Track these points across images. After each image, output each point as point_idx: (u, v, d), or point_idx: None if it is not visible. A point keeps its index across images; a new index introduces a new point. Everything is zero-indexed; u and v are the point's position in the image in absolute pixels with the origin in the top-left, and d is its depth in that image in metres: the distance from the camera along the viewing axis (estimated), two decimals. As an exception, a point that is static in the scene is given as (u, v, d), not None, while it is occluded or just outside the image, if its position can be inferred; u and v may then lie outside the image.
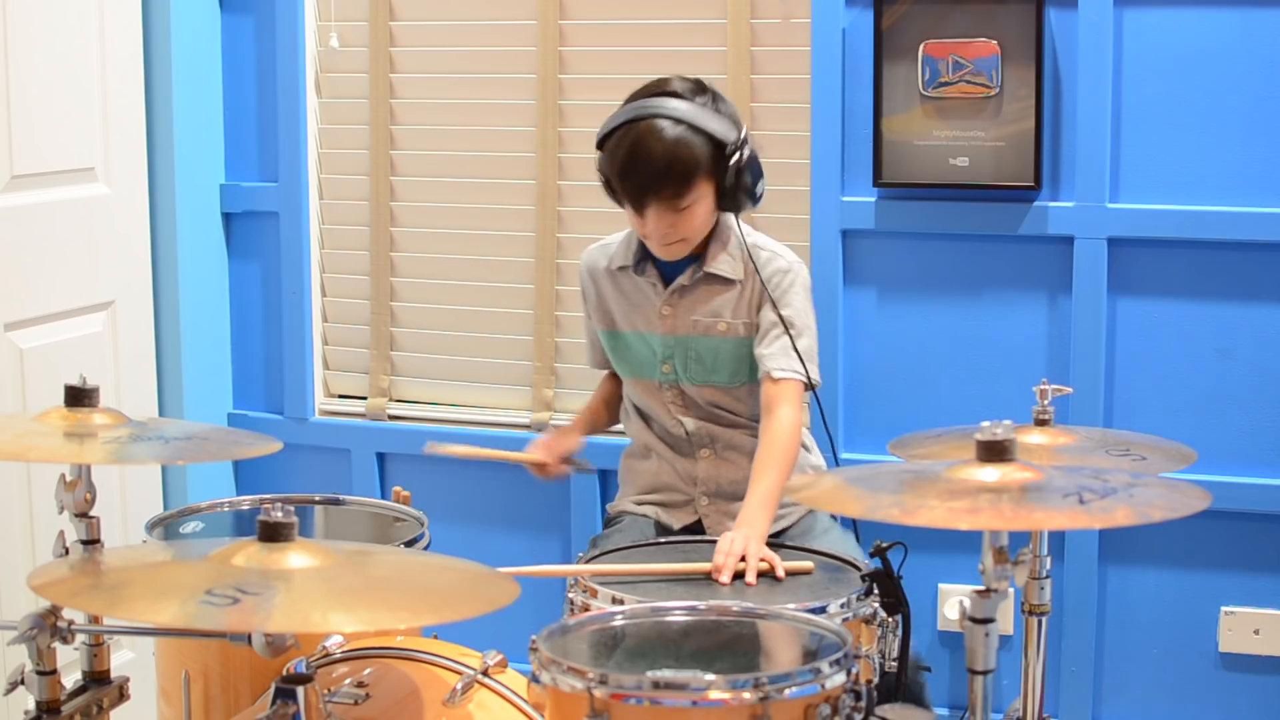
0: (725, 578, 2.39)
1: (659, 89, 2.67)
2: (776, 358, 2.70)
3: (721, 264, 2.75)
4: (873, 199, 3.18)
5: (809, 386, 2.72)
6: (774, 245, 2.81)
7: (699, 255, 2.76)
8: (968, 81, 3.07)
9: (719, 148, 2.63)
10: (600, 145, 2.71)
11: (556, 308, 3.45)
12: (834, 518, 2.85)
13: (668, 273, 2.78)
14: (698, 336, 2.77)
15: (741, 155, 2.65)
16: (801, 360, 2.70)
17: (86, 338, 3.26)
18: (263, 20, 3.55)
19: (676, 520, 2.82)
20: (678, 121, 2.62)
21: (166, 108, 3.44)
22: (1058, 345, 3.12)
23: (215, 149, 3.61)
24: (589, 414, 3.00)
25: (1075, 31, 3.02)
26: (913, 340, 3.21)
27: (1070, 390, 2.68)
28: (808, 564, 2.47)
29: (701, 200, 2.66)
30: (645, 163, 2.60)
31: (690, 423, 2.81)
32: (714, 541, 2.54)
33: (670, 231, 2.66)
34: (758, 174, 2.70)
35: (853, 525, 2.89)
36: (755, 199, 2.72)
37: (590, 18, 3.39)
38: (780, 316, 2.71)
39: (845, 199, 3.19)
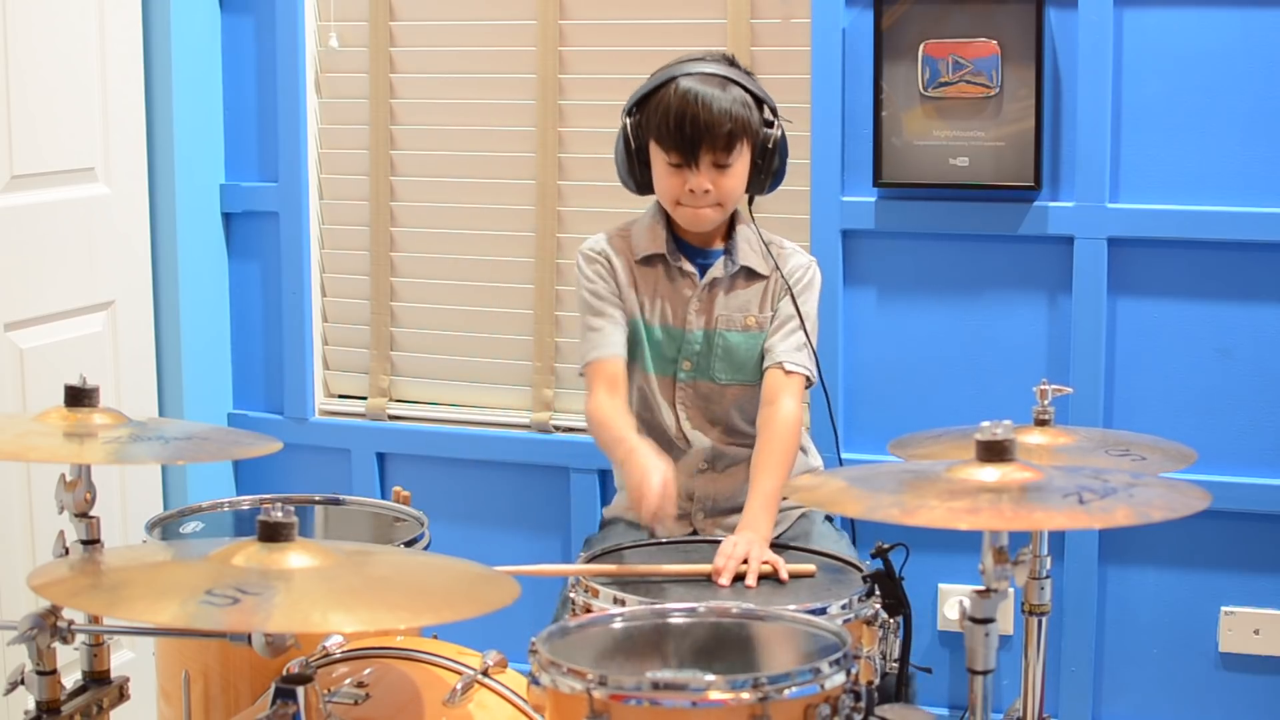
0: (725, 580, 2.39)
1: (694, 57, 2.69)
2: (790, 351, 2.70)
3: (751, 257, 2.75)
4: (873, 199, 3.18)
5: (809, 384, 2.73)
6: (791, 243, 2.83)
7: (726, 247, 2.75)
8: (968, 81, 3.07)
9: (761, 112, 2.67)
10: (633, 110, 2.69)
11: (556, 308, 3.45)
12: (829, 520, 2.84)
13: (699, 266, 2.76)
14: (727, 332, 2.75)
15: (778, 126, 2.69)
16: (812, 358, 2.71)
17: (86, 338, 3.26)
18: (263, 20, 3.55)
19: (672, 533, 2.80)
20: (728, 80, 2.64)
21: (166, 108, 3.44)
22: (1058, 345, 3.12)
23: (215, 149, 3.61)
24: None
25: (1075, 31, 3.02)
26: (913, 340, 3.21)
27: (1070, 390, 2.68)
28: (810, 567, 2.46)
29: (740, 162, 2.67)
30: (705, 109, 2.60)
31: (696, 435, 2.78)
32: (713, 542, 2.55)
33: (710, 192, 2.65)
34: (786, 152, 2.73)
35: (850, 529, 2.89)
36: (778, 180, 2.74)
37: (590, 18, 3.39)
38: (800, 311, 2.72)
39: (845, 199, 3.19)
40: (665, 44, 3.29)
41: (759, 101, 2.67)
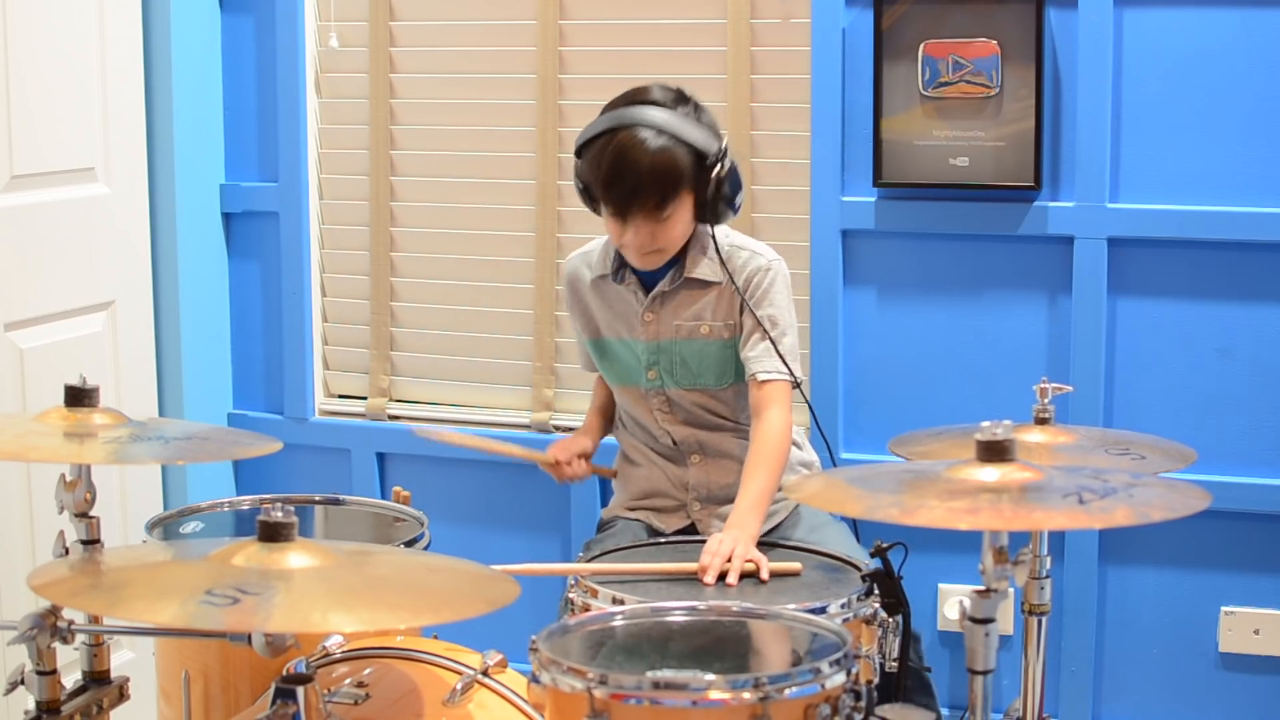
0: (710, 578, 2.40)
1: (639, 98, 2.66)
2: (761, 360, 2.70)
3: (701, 268, 2.74)
4: (873, 199, 3.18)
5: (795, 384, 2.73)
6: (752, 244, 2.80)
7: (678, 259, 2.75)
8: (968, 81, 3.07)
9: (700, 159, 2.63)
10: (579, 153, 2.69)
11: (556, 308, 3.45)
12: None
13: (648, 280, 2.77)
14: (681, 341, 2.76)
15: (722, 167, 2.64)
16: (785, 360, 2.70)
17: (86, 338, 3.26)
18: (263, 20, 3.55)
19: (669, 524, 2.81)
20: (660, 132, 2.60)
21: (166, 108, 3.44)
22: (1058, 345, 3.12)
23: (215, 149, 3.61)
24: (592, 420, 2.99)
25: (1075, 31, 3.02)
26: (913, 340, 3.21)
27: (1070, 389, 2.68)
28: (795, 565, 2.47)
29: (681, 210, 2.65)
30: (630, 172, 2.59)
31: (678, 431, 2.81)
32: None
33: (649, 242, 2.66)
34: (737, 185, 2.68)
35: (851, 526, 2.89)
36: (734, 210, 2.71)
37: (590, 18, 3.39)
38: (759, 318, 2.71)
39: (845, 199, 3.19)
40: (665, 44, 3.30)
41: (695, 151, 2.61)
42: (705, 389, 2.78)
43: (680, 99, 2.68)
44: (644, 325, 2.77)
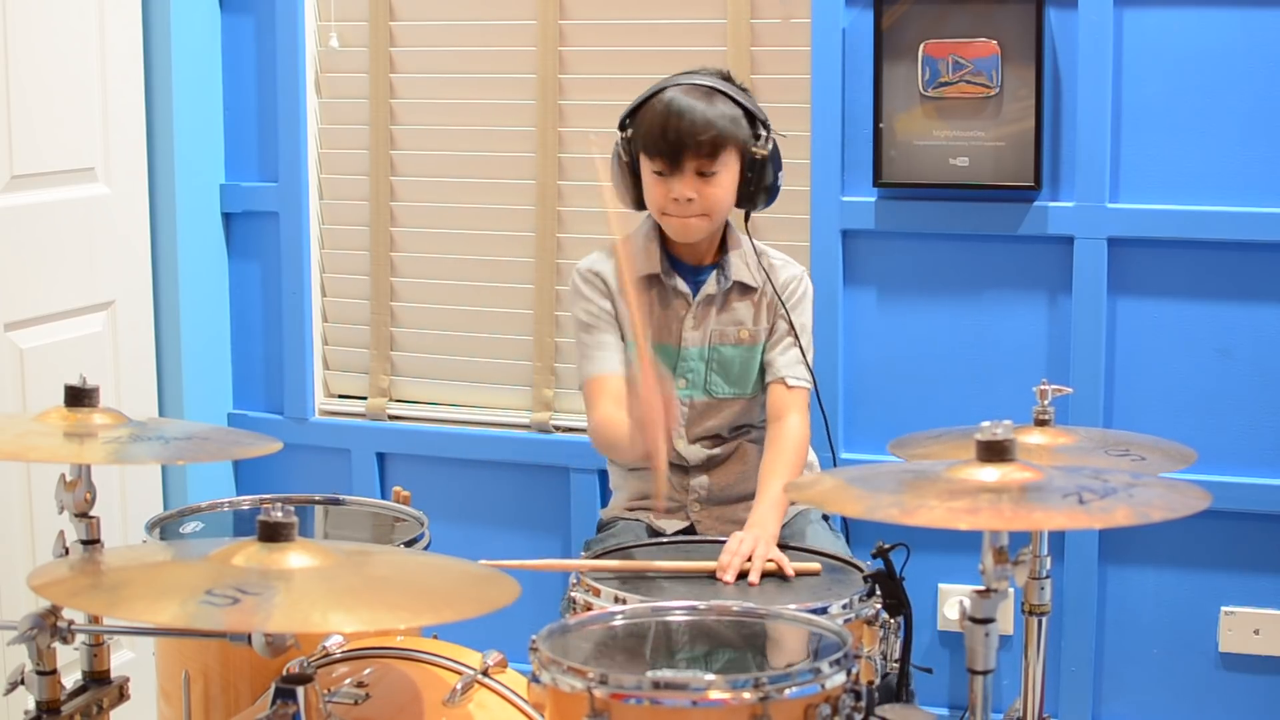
0: (729, 576, 2.39)
1: (687, 72, 2.71)
2: (791, 365, 2.72)
3: (743, 272, 2.75)
4: (873, 199, 3.18)
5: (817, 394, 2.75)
6: (781, 254, 2.83)
7: (718, 263, 2.76)
8: (968, 81, 3.07)
9: (752, 126, 2.67)
10: (626, 122, 2.70)
11: (557, 307, 3.45)
12: (825, 519, 2.84)
13: (693, 283, 2.77)
14: (723, 346, 2.76)
15: (771, 139, 2.69)
16: (809, 370, 2.72)
17: (86, 338, 3.26)
18: (263, 20, 3.55)
19: (669, 525, 2.81)
20: (714, 90, 2.65)
21: (166, 108, 3.44)
22: (1058, 345, 3.12)
23: (215, 149, 3.61)
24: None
25: (1075, 31, 3.02)
26: (913, 340, 3.21)
27: (1070, 390, 2.68)
28: (815, 565, 2.46)
29: (727, 172, 2.66)
30: (687, 114, 2.61)
31: (692, 450, 2.79)
32: (713, 542, 2.55)
33: (695, 200, 2.65)
34: (779, 167, 2.71)
35: (843, 527, 2.89)
36: (771, 196, 2.72)
37: (590, 18, 3.39)
38: (794, 324, 2.73)
39: (845, 199, 3.19)
40: (665, 44, 3.30)
41: (749, 115, 2.67)
42: (740, 396, 2.77)
43: (728, 78, 2.73)
44: (689, 330, 2.75)
